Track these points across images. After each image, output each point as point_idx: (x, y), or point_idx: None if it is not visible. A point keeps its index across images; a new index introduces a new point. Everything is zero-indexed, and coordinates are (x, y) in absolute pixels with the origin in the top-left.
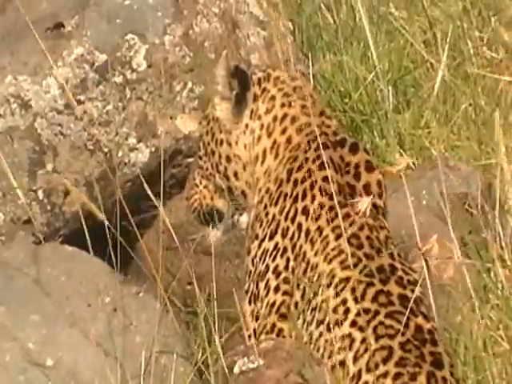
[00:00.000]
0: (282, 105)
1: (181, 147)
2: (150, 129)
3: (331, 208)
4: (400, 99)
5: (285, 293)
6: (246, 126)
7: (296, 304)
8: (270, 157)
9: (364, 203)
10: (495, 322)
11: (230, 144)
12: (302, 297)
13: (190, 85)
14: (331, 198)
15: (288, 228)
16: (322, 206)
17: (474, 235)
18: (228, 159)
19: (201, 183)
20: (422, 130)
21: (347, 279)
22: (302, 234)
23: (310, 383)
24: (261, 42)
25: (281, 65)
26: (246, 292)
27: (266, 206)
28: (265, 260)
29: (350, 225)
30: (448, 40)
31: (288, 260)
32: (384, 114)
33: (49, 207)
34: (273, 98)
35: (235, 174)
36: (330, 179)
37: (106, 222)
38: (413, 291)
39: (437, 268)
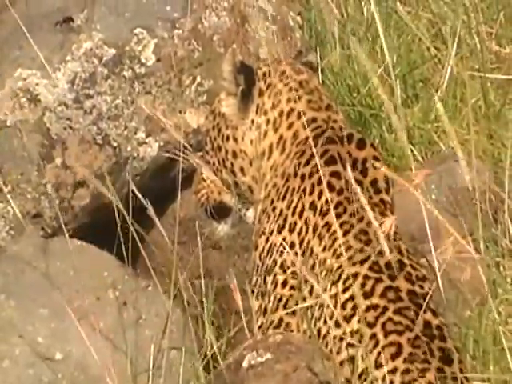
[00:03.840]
0: (288, 100)
1: (189, 141)
2: (158, 123)
3: (339, 203)
4: (409, 93)
5: (292, 287)
6: (252, 121)
7: (304, 299)
8: (277, 152)
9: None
10: (504, 316)
11: (236, 139)
12: (310, 292)
13: (198, 79)
14: (339, 193)
15: (295, 223)
16: (329, 201)
17: (483, 229)
18: (234, 155)
19: (208, 178)
20: (430, 124)
21: (355, 275)
22: (310, 229)
23: (319, 377)
24: (270, 36)
25: (289, 59)
26: (254, 287)
27: (272, 201)
28: (272, 255)
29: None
30: (457, 34)
31: (296, 255)
32: (393, 108)
33: (57, 201)
34: (279, 92)
35: (241, 170)
36: (339, 175)
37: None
38: (421, 287)
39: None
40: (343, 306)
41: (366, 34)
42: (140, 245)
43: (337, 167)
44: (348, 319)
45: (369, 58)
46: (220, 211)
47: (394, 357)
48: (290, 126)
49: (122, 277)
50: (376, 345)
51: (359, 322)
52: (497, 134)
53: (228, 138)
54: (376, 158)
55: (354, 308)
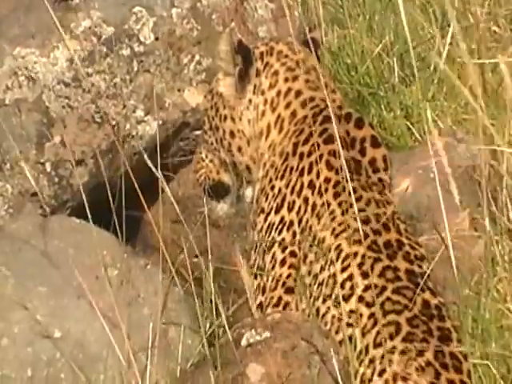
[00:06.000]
0: (286, 79)
1: (188, 120)
2: (157, 101)
3: (337, 182)
4: (407, 72)
5: (291, 266)
6: (250, 101)
7: (303, 278)
8: (275, 131)
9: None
10: (502, 294)
11: (233, 119)
12: (309, 271)
13: (197, 57)
14: (337, 172)
15: (294, 202)
16: (328, 180)
17: (481, 208)
18: (232, 135)
19: (207, 157)
20: (429, 102)
21: (354, 254)
22: (309, 208)
23: (318, 355)
24: (268, 15)
25: (288, 38)
26: (252, 266)
27: (271, 180)
28: (271, 233)
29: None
30: (454, 14)
31: (294, 234)
32: (391, 86)
33: (56, 180)
34: (276, 72)
35: (239, 150)
36: (337, 153)
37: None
38: (420, 266)
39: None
40: (342, 286)
41: (363, 13)
42: (138, 223)
43: (335, 146)
44: (346, 299)
45: (366, 37)
46: (219, 190)
47: (392, 336)
48: (287, 106)
49: (120, 255)
50: (375, 324)
51: (358, 301)
52: (496, 112)
53: (225, 118)
54: (374, 138)
55: (353, 288)
